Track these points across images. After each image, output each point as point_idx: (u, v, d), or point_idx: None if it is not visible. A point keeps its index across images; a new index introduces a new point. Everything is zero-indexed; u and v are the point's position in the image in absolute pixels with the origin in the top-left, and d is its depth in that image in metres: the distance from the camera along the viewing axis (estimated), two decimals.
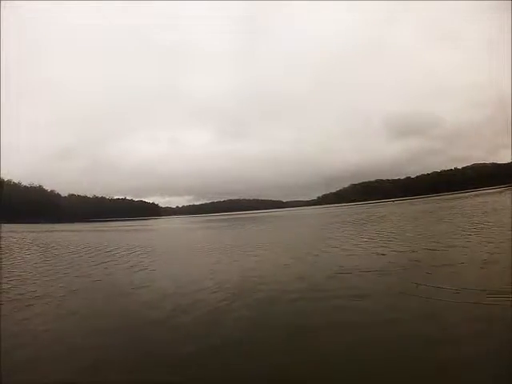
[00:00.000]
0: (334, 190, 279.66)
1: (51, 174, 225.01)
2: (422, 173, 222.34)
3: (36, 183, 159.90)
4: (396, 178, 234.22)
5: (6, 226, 64.62)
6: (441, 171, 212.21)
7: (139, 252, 15.48)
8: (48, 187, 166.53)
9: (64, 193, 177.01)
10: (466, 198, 58.93)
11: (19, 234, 36.09)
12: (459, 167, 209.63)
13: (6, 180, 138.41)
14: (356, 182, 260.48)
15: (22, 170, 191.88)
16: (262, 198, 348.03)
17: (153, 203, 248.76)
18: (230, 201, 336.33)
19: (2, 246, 21.36)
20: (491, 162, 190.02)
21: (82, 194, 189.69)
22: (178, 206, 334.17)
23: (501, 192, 65.52)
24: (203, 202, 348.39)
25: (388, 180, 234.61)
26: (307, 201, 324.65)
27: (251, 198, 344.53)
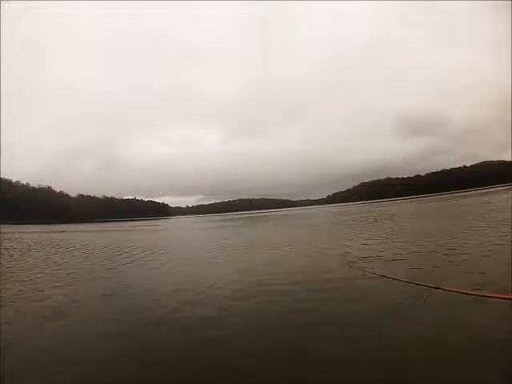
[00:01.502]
0: (343, 189, 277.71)
1: (61, 175, 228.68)
2: (432, 171, 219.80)
3: (44, 184, 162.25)
4: (405, 176, 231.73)
5: (15, 227, 65.82)
6: (450, 169, 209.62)
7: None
8: (57, 188, 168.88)
9: (73, 193, 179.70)
10: (476, 195, 58.07)
11: (29, 235, 36.73)
12: (468, 165, 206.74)
13: (14, 181, 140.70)
14: (365, 181, 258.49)
15: (31, 171, 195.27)
16: (272, 197, 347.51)
17: (163, 203, 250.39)
18: (240, 200, 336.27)
19: (14, 247, 21.77)
20: (499, 160, 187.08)
21: (91, 194, 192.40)
22: (187, 206, 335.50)
23: (510, 190, 64.33)
24: (213, 202, 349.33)
25: (397, 178, 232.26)
26: (317, 200, 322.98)
27: (260, 198, 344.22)
